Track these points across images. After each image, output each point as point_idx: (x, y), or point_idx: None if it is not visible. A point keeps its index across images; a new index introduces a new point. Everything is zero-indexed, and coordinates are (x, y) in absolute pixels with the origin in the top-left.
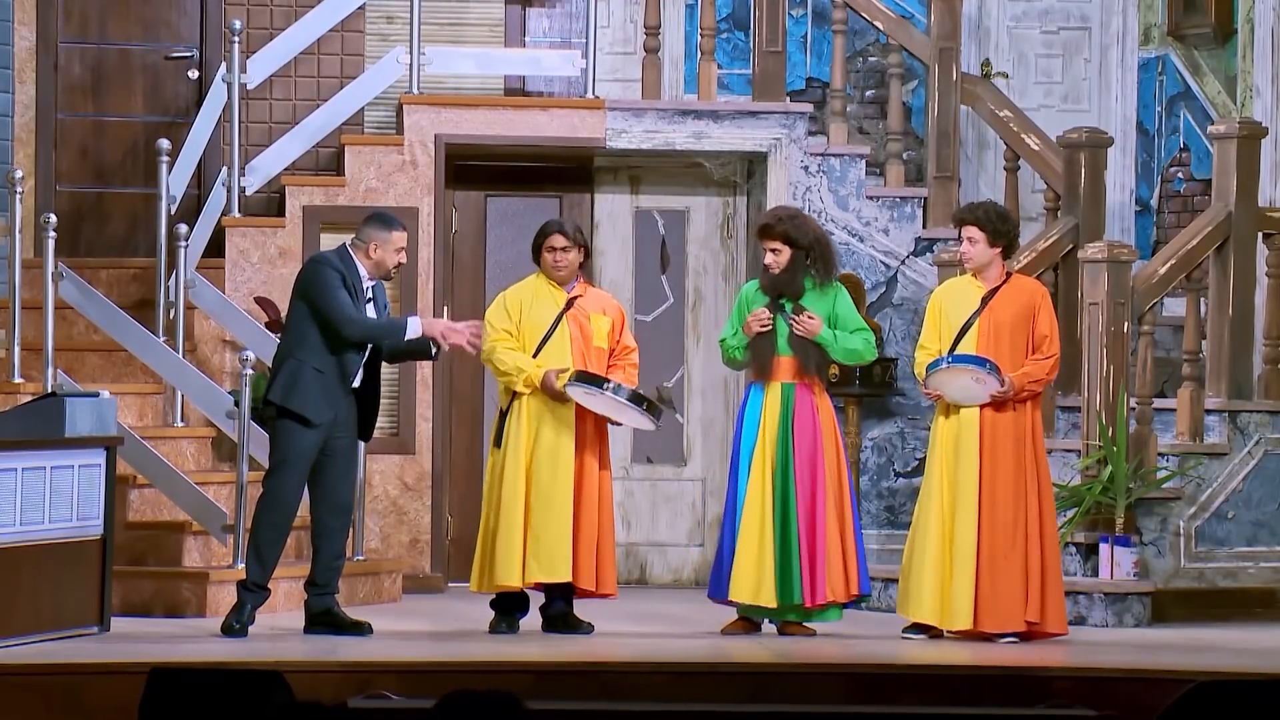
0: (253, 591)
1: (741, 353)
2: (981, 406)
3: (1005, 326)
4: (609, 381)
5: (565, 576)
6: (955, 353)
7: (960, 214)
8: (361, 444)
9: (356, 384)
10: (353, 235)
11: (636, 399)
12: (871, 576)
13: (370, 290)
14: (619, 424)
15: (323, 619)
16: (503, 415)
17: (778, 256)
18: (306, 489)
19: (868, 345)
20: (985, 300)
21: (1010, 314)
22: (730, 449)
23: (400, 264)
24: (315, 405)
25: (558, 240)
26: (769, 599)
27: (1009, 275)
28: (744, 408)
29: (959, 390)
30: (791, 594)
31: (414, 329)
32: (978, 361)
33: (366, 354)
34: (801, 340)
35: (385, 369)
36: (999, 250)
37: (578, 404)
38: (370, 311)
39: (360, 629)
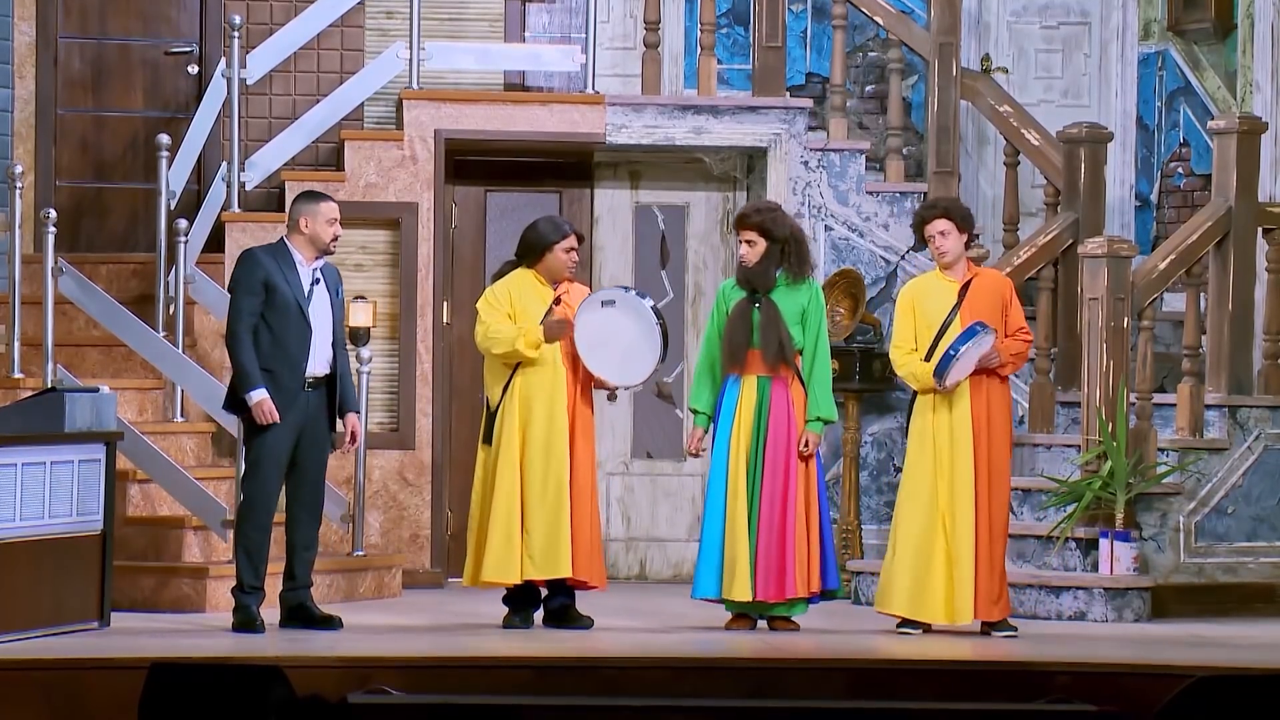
0: (250, 593)
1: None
2: (973, 400)
3: (980, 318)
4: (626, 289)
5: (566, 572)
6: (952, 342)
7: (924, 212)
8: (361, 439)
9: (322, 371)
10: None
11: (655, 312)
12: (871, 572)
13: (316, 274)
14: (614, 388)
15: (298, 614)
16: (490, 413)
17: (751, 248)
18: (285, 483)
19: (828, 376)
20: (961, 294)
21: (985, 306)
22: None
23: (336, 236)
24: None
25: (574, 239)
26: (743, 593)
27: (976, 270)
28: (721, 401)
29: (969, 364)
30: (747, 589)
31: (252, 398)
32: (969, 334)
33: (312, 346)
34: (768, 331)
35: (385, 366)
36: (966, 238)
37: (568, 391)
38: (321, 295)
39: (330, 623)
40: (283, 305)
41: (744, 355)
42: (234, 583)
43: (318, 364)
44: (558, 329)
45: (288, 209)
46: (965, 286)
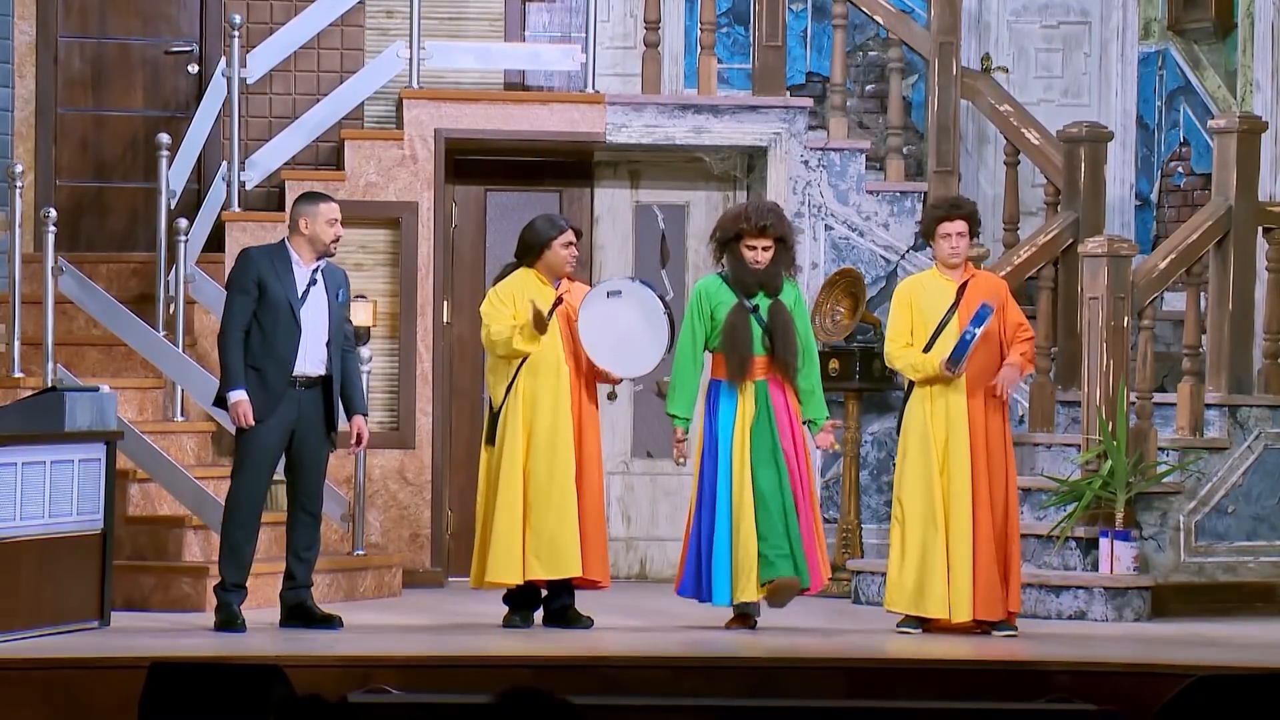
0: (231, 591)
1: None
2: (969, 395)
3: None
4: (631, 279)
5: (575, 572)
6: (966, 327)
7: (947, 210)
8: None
9: (315, 372)
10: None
11: (662, 301)
12: (872, 572)
13: (315, 275)
14: (618, 380)
15: (298, 613)
16: (494, 413)
17: (767, 253)
18: (287, 483)
19: (818, 370)
20: (960, 293)
21: None
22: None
23: (338, 237)
24: (254, 405)
25: (572, 235)
26: (755, 593)
27: (973, 271)
28: (715, 405)
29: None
30: (800, 574)
31: (230, 398)
32: (980, 317)
33: (302, 346)
34: (786, 339)
35: (385, 365)
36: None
37: (572, 390)
38: (317, 295)
39: (330, 623)
40: (274, 305)
41: (749, 364)
42: (214, 588)
43: (309, 364)
44: (536, 318)
45: (288, 210)
46: (963, 287)
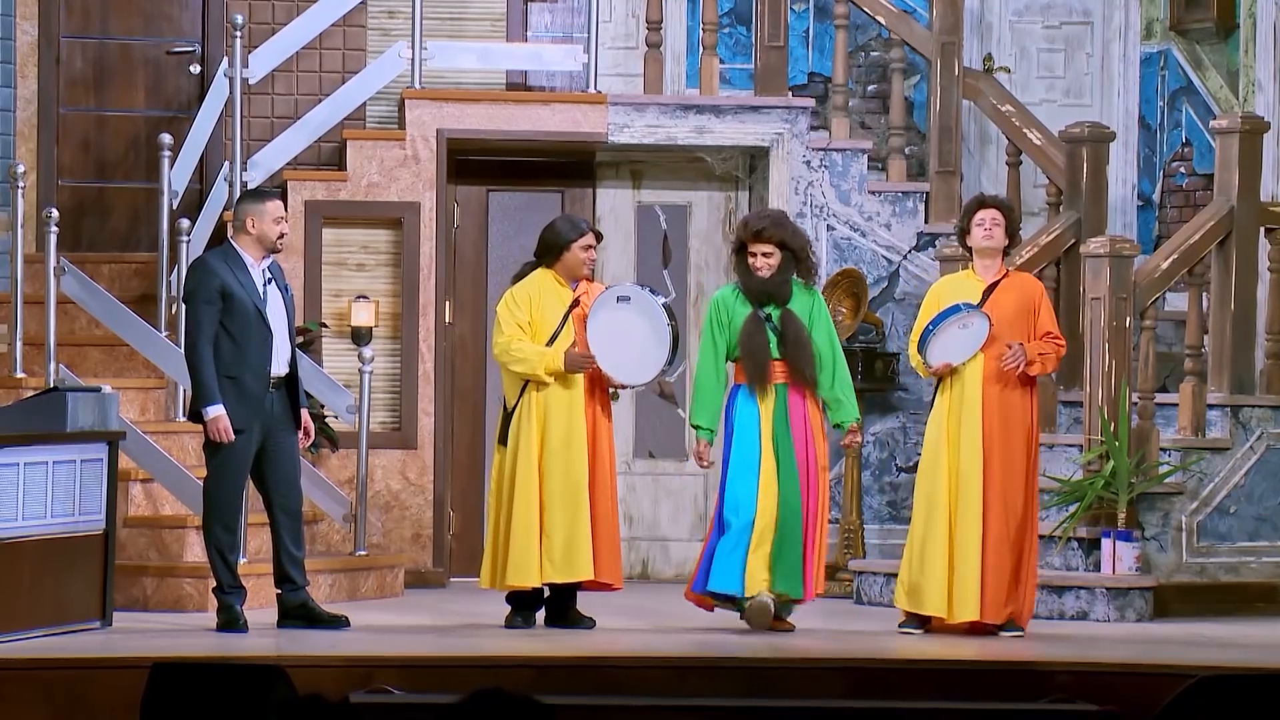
0: (230, 593)
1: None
2: (984, 395)
3: (1006, 320)
4: (641, 286)
5: (587, 575)
6: (932, 318)
7: (986, 198)
8: (363, 439)
9: (283, 371)
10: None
11: (668, 313)
12: (874, 572)
13: (267, 273)
14: (618, 386)
15: (298, 613)
16: (508, 414)
17: (769, 260)
18: (259, 488)
19: (847, 374)
20: (987, 293)
21: (1011, 308)
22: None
23: (283, 234)
24: (234, 414)
25: (592, 238)
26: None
27: (1006, 271)
28: (736, 410)
29: (958, 348)
30: (794, 586)
31: (208, 414)
32: (951, 311)
33: (274, 349)
34: (799, 349)
35: (387, 365)
36: (1007, 242)
37: (585, 391)
38: (274, 294)
39: (337, 623)
40: (242, 312)
41: (766, 371)
42: (212, 591)
43: (280, 364)
44: (580, 363)
45: (232, 210)
46: (992, 286)
